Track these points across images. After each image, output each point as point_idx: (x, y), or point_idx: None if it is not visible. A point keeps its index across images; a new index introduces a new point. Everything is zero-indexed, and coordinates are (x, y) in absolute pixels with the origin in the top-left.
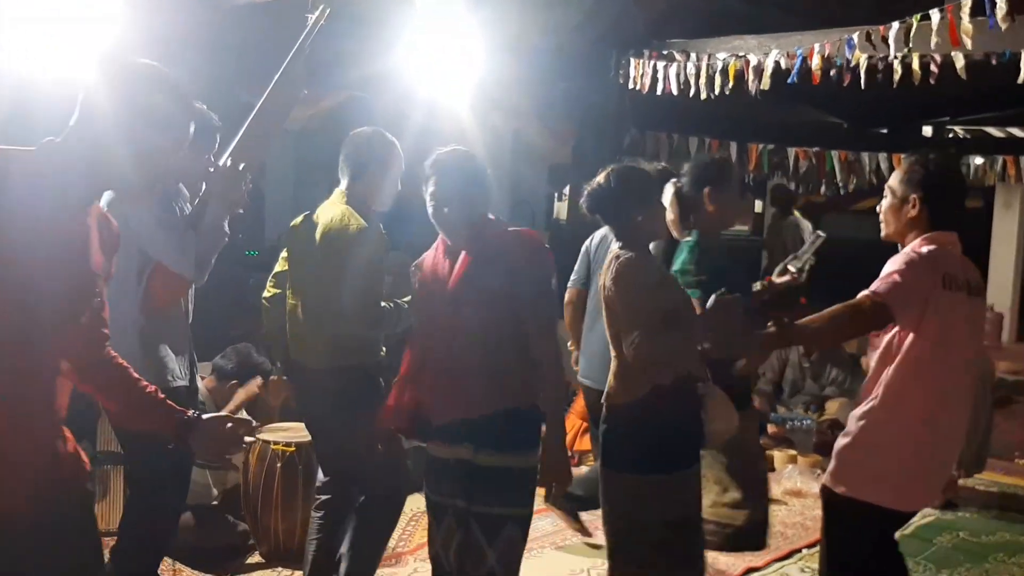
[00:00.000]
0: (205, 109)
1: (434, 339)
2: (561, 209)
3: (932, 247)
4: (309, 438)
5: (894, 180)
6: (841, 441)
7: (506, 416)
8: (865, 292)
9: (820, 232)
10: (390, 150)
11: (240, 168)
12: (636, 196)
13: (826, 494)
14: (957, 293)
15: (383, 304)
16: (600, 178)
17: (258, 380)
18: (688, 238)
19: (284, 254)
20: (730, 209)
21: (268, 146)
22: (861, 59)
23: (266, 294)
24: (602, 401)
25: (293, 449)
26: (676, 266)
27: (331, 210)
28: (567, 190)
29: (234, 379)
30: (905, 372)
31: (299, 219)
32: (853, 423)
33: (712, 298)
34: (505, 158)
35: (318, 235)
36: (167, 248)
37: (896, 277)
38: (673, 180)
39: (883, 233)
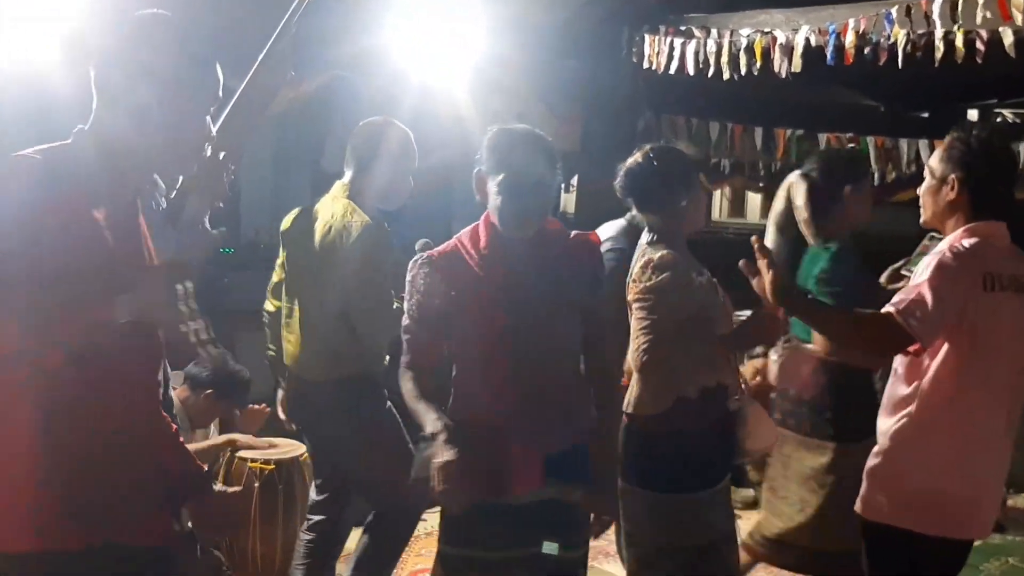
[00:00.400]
0: None
1: (496, 359)
2: (568, 202)
3: (973, 240)
4: (289, 455)
5: (933, 158)
6: (872, 461)
7: (583, 442)
8: (889, 307)
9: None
10: (404, 143)
11: (221, 157)
12: (679, 180)
13: (861, 522)
14: (1001, 293)
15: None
16: (639, 156)
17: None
18: (828, 244)
19: (281, 260)
20: (864, 210)
21: (251, 133)
22: (900, 35)
23: (267, 307)
24: (625, 412)
25: (272, 467)
26: (813, 272)
27: (331, 206)
28: (575, 180)
29: (209, 388)
30: (941, 383)
31: (292, 216)
32: (884, 440)
33: (755, 311)
34: None
35: (317, 234)
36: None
37: (923, 293)
38: (801, 174)
39: (921, 219)
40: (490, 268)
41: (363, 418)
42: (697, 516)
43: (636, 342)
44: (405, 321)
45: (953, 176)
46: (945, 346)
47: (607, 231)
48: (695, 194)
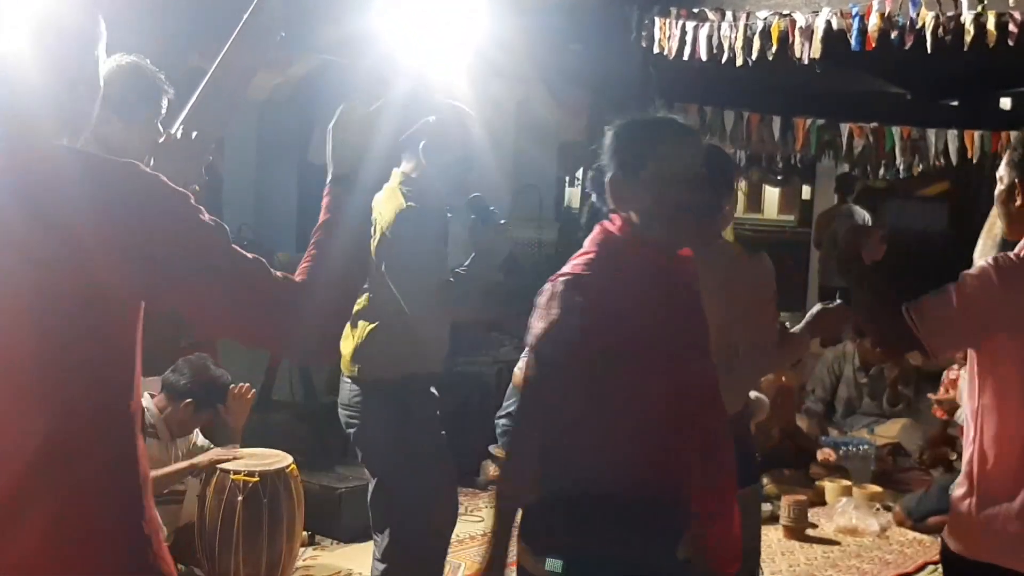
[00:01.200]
0: (149, 66)
1: (675, 392)
2: (573, 195)
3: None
4: (274, 466)
5: (1002, 164)
6: (956, 490)
7: None
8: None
9: None
10: (463, 132)
11: (194, 138)
12: (723, 183)
13: (942, 550)
14: None
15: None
16: None
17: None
18: None
19: None
20: None
21: (230, 112)
22: (927, 18)
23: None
24: None
25: (257, 480)
26: None
27: (389, 201)
28: (580, 173)
29: (188, 398)
30: (996, 403)
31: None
32: (964, 466)
33: (817, 307)
34: (508, 134)
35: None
36: None
37: (944, 297)
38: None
39: (1005, 232)
40: (649, 285)
41: (406, 424)
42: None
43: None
44: (532, 364)
45: (1018, 181)
46: (991, 360)
47: None
48: (733, 200)
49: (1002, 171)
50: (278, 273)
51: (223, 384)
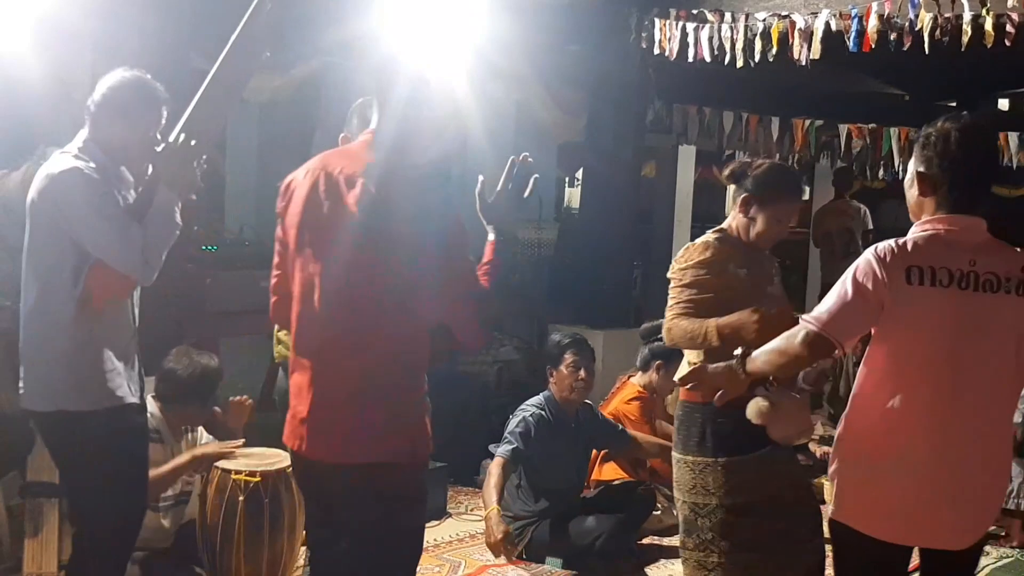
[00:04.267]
0: (148, 79)
1: None
2: (573, 196)
3: (918, 235)
4: (275, 466)
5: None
6: (830, 464)
7: None
8: (808, 320)
9: None
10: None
11: (192, 144)
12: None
13: (829, 520)
14: (930, 288)
15: None
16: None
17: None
18: None
19: None
20: None
21: (225, 118)
22: (926, 19)
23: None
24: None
25: (258, 479)
26: None
27: None
28: (580, 174)
29: (177, 403)
30: (866, 382)
31: None
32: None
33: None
34: (506, 135)
35: None
36: (108, 242)
37: (834, 296)
38: None
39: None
40: None
41: None
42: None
43: (667, 315)
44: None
45: (913, 172)
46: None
47: None
48: (771, 213)
49: (910, 163)
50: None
51: (209, 376)
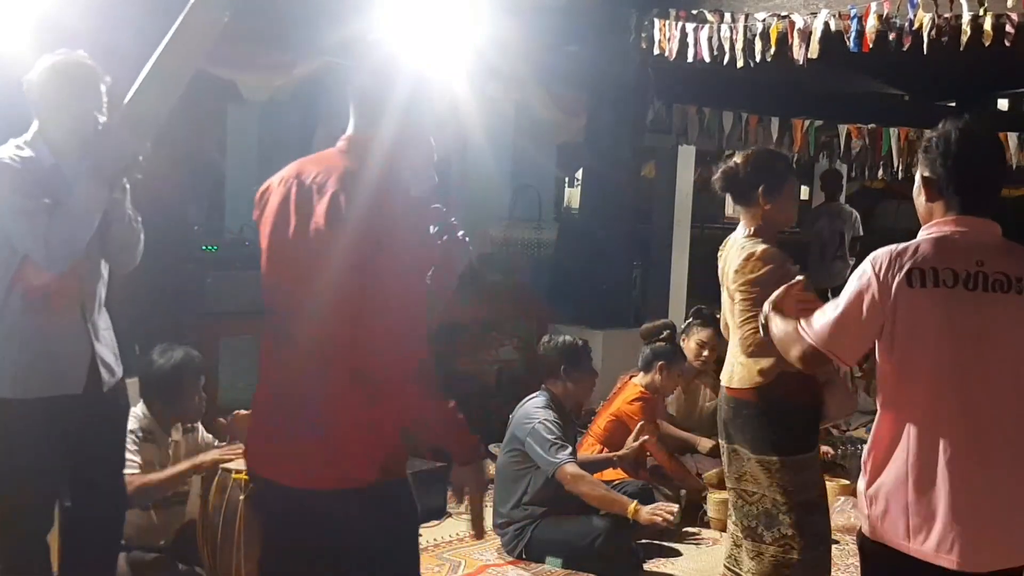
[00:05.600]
0: (76, 58)
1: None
2: (572, 196)
3: (924, 238)
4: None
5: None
6: (859, 479)
7: None
8: (804, 329)
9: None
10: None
11: (137, 124)
12: (776, 180)
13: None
14: (933, 290)
15: None
16: (739, 158)
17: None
18: None
19: None
20: None
21: (176, 94)
22: (925, 19)
23: None
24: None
25: None
26: None
27: None
28: (579, 174)
29: (152, 402)
30: (884, 392)
31: None
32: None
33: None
34: (506, 135)
35: None
36: (19, 233)
37: (833, 310)
38: None
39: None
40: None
41: None
42: (810, 473)
43: (742, 329)
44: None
45: (920, 179)
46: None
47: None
48: (788, 194)
49: (916, 172)
50: None
51: (189, 359)
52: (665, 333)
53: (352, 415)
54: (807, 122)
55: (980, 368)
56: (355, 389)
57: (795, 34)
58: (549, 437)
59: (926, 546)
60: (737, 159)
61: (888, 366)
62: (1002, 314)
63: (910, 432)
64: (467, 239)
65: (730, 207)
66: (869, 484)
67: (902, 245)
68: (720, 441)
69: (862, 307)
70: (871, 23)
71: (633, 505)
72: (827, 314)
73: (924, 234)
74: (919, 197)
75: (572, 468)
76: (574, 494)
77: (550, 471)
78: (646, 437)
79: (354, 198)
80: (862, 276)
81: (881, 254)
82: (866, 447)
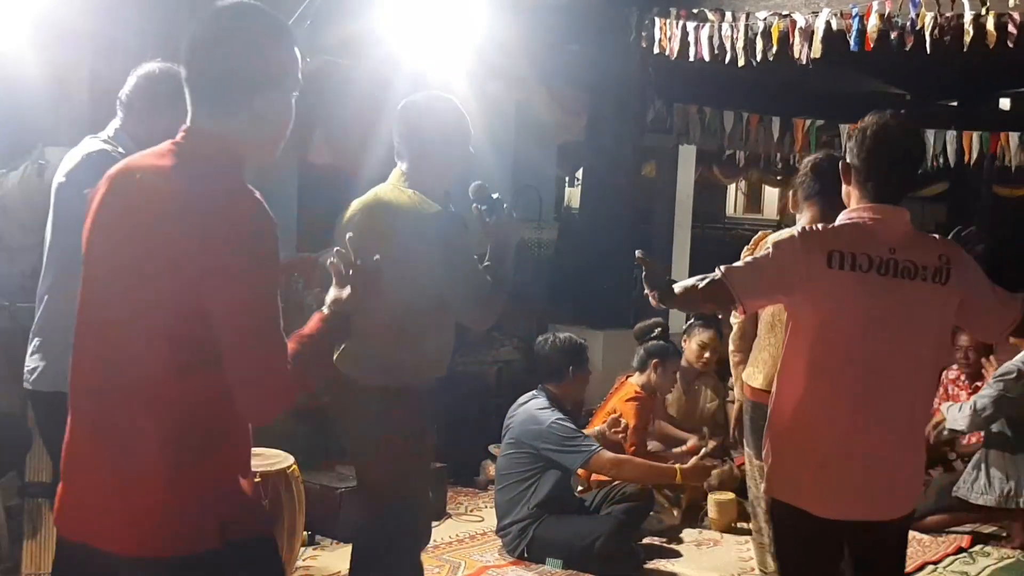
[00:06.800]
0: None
1: None
2: (573, 196)
3: (843, 220)
4: (276, 466)
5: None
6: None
7: None
8: (721, 267)
9: None
10: (458, 119)
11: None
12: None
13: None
14: (850, 272)
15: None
16: (815, 159)
17: None
18: None
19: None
20: None
21: None
22: (927, 19)
23: None
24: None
25: (258, 479)
26: None
27: (396, 197)
28: (580, 173)
29: None
30: (788, 365)
31: (351, 210)
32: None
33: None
34: (507, 135)
35: (388, 228)
36: None
37: (752, 261)
38: None
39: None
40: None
41: (398, 432)
42: None
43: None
44: None
45: (841, 162)
46: (791, 321)
47: None
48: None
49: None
50: None
51: None
52: (657, 331)
53: (175, 469)
54: (808, 122)
55: (887, 345)
56: (181, 436)
57: (796, 33)
58: (569, 433)
59: (828, 502)
60: (817, 159)
61: (800, 339)
62: (910, 298)
63: (817, 398)
64: (514, 214)
65: (730, 207)
66: (777, 445)
67: (828, 226)
68: (747, 450)
69: (781, 262)
70: (873, 22)
71: (678, 468)
72: (744, 260)
73: (844, 218)
74: (842, 183)
75: (608, 454)
76: (619, 479)
77: (578, 463)
78: (705, 448)
79: (187, 203)
80: (792, 240)
81: (808, 230)
82: (770, 413)
